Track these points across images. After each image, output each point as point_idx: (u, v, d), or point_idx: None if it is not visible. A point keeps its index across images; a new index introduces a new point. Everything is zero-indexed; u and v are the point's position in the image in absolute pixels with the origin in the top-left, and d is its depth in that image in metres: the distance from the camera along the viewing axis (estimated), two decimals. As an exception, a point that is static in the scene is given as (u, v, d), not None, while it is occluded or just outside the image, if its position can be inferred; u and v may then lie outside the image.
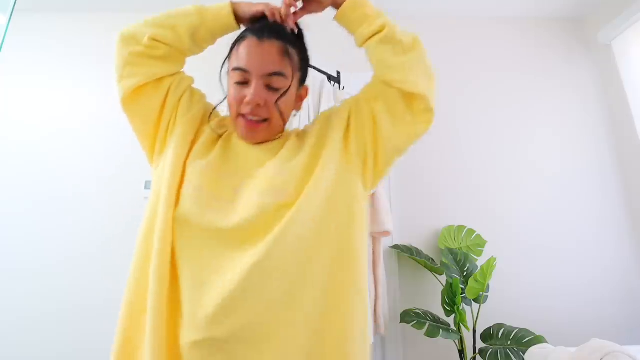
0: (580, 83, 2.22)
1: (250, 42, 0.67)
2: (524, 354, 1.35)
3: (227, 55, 0.72)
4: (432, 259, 1.79)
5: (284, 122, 0.72)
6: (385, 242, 1.82)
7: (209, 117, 0.76)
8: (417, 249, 1.82)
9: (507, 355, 1.39)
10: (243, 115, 0.68)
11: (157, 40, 0.70)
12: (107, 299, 1.79)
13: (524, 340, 1.45)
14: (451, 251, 1.78)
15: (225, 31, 0.73)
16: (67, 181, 1.95)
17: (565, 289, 1.87)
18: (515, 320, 1.66)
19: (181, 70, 0.77)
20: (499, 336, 1.53)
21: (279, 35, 0.68)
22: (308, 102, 1.57)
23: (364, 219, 0.70)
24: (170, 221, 0.62)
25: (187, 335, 0.56)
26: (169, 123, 0.72)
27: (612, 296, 1.87)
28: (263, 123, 0.69)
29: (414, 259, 1.74)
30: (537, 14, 2.31)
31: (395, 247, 1.81)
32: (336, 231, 0.63)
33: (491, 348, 1.46)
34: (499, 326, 1.58)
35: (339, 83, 1.81)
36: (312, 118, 1.59)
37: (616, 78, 2.09)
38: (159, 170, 0.69)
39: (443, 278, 1.73)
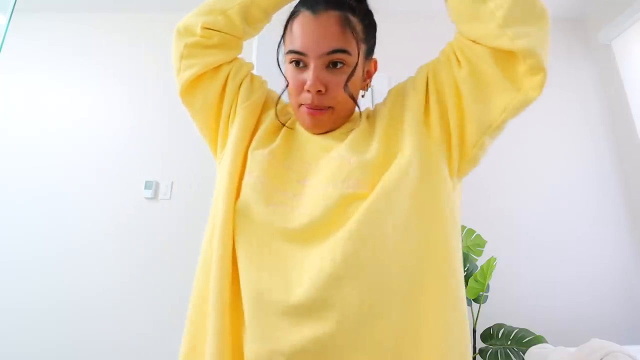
0: (580, 83, 2.22)
1: (303, 17, 0.58)
2: (524, 354, 1.35)
3: (281, 35, 0.64)
4: (432, 259, 1.79)
5: (351, 107, 0.63)
6: (385, 242, 1.82)
7: (276, 105, 0.68)
8: (417, 249, 1.82)
9: (507, 355, 1.39)
10: (304, 105, 0.60)
11: (209, 29, 0.64)
12: (106, 298, 1.79)
13: (524, 340, 1.45)
14: (451, 251, 1.78)
15: (278, 5, 0.66)
16: (67, 180, 1.95)
17: (565, 288, 1.87)
18: (515, 320, 1.66)
19: (239, 57, 0.71)
20: (499, 336, 1.53)
21: (337, 3, 0.58)
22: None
23: (455, 212, 0.58)
24: (231, 213, 0.56)
25: (250, 346, 0.51)
26: (230, 112, 0.67)
27: (612, 296, 1.87)
28: (327, 110, 0.60)
29: (414, 259, 1.74)
30: (537, 14, 2.31)
31: (395, 247, 1.80)
32: (422, 228, 0.53)
33: (491, 348, 1.46)
34: (499, 326, 1.58)
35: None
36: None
37: (616, 78, 2.09)
38: (222, 163, 0.63)
39: (443, 278, 1.73)
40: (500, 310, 1.77)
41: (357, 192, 0.52)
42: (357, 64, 0.58)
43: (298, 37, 0.58)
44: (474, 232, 1.88)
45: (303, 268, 0.50)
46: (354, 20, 0.59)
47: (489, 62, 0.53)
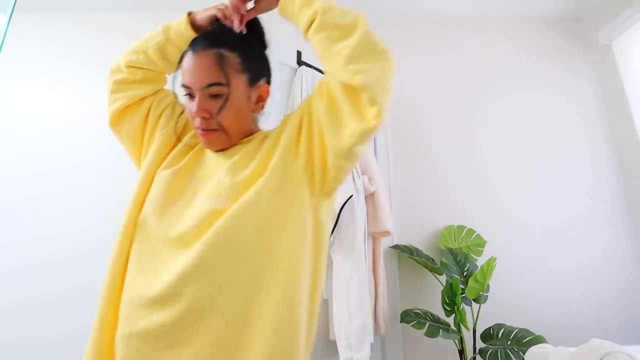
0: (580, 83, 2.22)
1: (187, 56, 0.68)
2: (524, 354, 1.35)
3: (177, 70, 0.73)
4: (432, 259, 1.79)
5: (242, 127, 0.72)
6: (385, 242, 1.82)
7: (175, 124, 0.78)
8: (417, 249, 1.82)
9: (507, 355, 1.39)
10: (198, 128, 0.69)
11: (132, 67, 0.75)
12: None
13: (524, 340, 1.45)
14: (451, 251, 1.78)
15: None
16: (67, 180, 1.95)
17: (565, 289, 1.88)
18: (515, 320, 1.66)
19: (163, 88, 0.82)
20: (499, 336, 1.53)
21: (213, 43, 0.67)
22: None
23: (312, 225, 0.66)
24: (130, 224, 0.67)
25: (118, 331, 0.61)
26: (150, 138, 0.77)
27: (612, 296, 1.87)
28: (217, 131, 0.68)
29: (413, 259, 1.74)
30: (537, 14, 2.31)
31: (395, 247, 1.81)
32: (269, 241, 0.61)
33: (491, 348, 1.46)
34: (499, 326, 1.58)
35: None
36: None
37: (616, 78, 2.09)
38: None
39: (443, 278, 1.73)
40: (500, 310, 1.77)
41: (222, 208, 0.62)
42: (229, 93, 0.66)
43: (184, 73, 0.68)
44: (474, 232, 1.88)
45: (169, 269, 0.60)
46: (230, 55, 0.67)
47: (340, 95, 0.61)
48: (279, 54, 1.59)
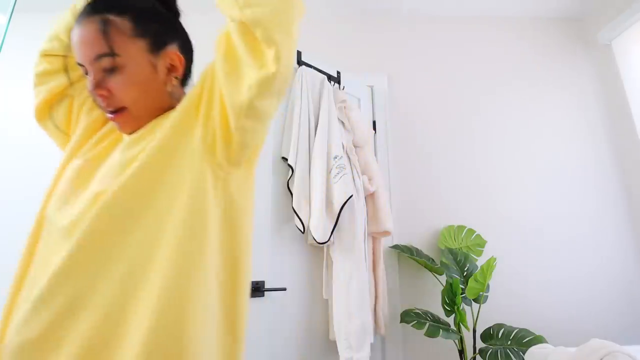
0: (580, 83, 2.22)
1: (73, 29, 0.59)
2: (524, 354, 1.35)
3: None
4: (432, 259, 1.79)
5: (153, 104, 0.62)
6: (385, 242, 1.82)
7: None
8: (417, 249, 1.82)
9: (507, 355, 1.39)
10: (103, 108, 0.61)
11: (49, 55, 0.70)
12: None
13: (524, 340, 1.45)
14: (451, 251, 1.78)
15: None
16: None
17: (565, 288, 1.87)
18: (515, 320, 1.66)
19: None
20: (499, 336, 1.53)
21: (96, 8, 0.58)
22: (308, 104, 1.57)
23: (204, 211, 0.54)
24: (37, 222, 0.61)
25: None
26: (75, 129, 0.71)
27: (612, 296, 1.87)
28: (122, 112, 0.60)
29: (414, 259, 1.74)
30: (537, 13, 2.31)
31: (395, 247, 1.81)
32: (152, 224, 0.52)
33: (491, 348, 1.46)
34: (499, 326, 1.58)
35: (339, 83, 1.81)
36: (311, 120, 1.58)
37: (616, 78, 2.09)
38: None
39: (443, 278, 1.73)
40: (500, 310, 1.77)
41: (104, 189, 0.54)
42: (129, 63, 0.57)
43: (73, 48, 0.59)
44: (474, 232, 1.88)
45: (54, 261, 0.52)
46: (118, 20, 0.57)
47: (237, 39, 0.53)
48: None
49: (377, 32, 2.23)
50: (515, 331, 1.51)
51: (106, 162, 0.61)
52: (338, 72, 1.82)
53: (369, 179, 1.68)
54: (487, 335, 1.57)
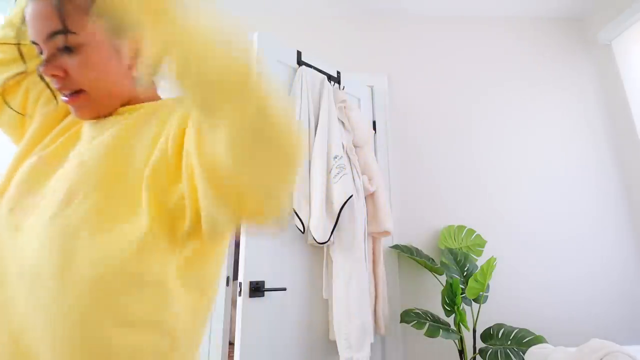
0: (580, 83, 2.22)
1: (27, 5, 0.53)
2: (524, 354, 1.35)
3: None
4: (432, 259, 1.79)
5: (114, 90, 0.57)
6: (385, 242, 1.83)
7: (57, 101, 0.63)
8: (417, 249, 1.82)
9: (507, 355, 1.39)
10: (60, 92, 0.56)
11: (3, 43, 0.65)
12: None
13: (524, 340, 1.45)
14: (451, 251, 1.78)
15: None
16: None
17: (565, 289, 1.88)
18: (515, 320, 1.67)
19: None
20: (499, 336, 1.53)
21: None
22: (308, 104, 1.57)
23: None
24: None
25: None
26: (30, 123, 0.64)
27: (612, 296, 1.87)
28: (79, 95, 0.55)
29: (414, 259, 1.74)
30: (537, 13, 2.31)
31: (395, 247, 1.81)
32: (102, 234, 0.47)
33: (491, 348, 1.46)
34: (499, 326, 1.58)
35: (339, 83, 1.81)
36: (311, 120, 1.58)
37: (616, 78, 2.10)
38: None
39: (443, 278, 1.73)
40: (500, 310, 1.78)
41: (58, 224, 0.48)
42: (89, 41, 0.52)
43: (27, 25, 0.53)
44: (474, 232, 1.88)
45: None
46: None
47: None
48: (279, 54, 1.59)
49: (377, 32, 2.23)
50: (515, 331, 1.51)
51: (63, 164, 0.55)
52: (338, 72, 1.83)
53: (369, 179, 1.68)
54: (487, 335, 1.57)
